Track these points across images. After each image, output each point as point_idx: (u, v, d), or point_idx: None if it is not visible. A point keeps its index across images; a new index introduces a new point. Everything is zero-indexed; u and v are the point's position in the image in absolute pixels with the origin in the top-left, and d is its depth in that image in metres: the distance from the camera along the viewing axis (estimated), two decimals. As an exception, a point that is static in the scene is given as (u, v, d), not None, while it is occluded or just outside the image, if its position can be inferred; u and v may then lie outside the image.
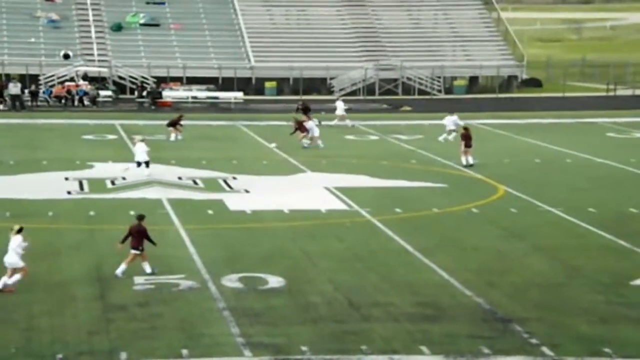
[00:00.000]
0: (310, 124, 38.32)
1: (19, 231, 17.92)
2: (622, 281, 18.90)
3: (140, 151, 30.59)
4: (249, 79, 61.75)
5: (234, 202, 26.78)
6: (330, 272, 19.49)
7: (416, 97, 60.77)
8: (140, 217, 19.30)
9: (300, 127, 38.37)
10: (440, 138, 39.31)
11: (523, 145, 39.59)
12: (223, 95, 57.66)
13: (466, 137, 33.59)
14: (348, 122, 45.28)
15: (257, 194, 28.05)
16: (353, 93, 61.01)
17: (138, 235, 18.89)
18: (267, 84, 61.57)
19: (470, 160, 33.18)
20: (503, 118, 48.66)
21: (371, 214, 25.13)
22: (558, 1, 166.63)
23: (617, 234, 22.78)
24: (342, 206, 26.38)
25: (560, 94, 61.42)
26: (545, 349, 15.08)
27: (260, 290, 18.19)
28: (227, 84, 60.17)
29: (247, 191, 28.64)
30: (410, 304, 17.31)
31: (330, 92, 60.66)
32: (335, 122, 45.09)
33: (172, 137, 39.27)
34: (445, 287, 18.52)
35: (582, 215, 25.06)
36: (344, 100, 48.02)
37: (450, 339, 15.49)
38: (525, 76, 65.35)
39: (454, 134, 38.54)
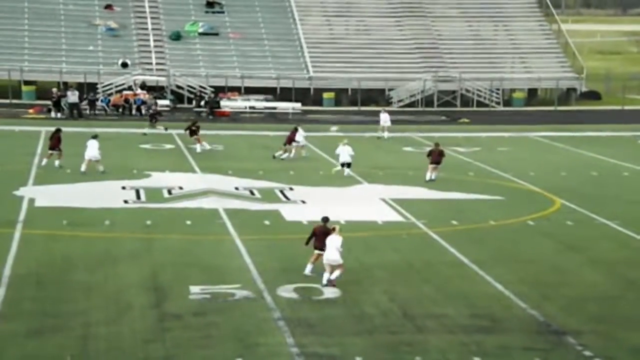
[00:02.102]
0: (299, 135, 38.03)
1: (336, 230, 19.47)
2: (678, 295, 18.72)
3: (344, 153, 33.61)
4: (307, 89, 61.98)
5: (290, 212, 27.03)
6: (385, 283, 19.60)
7: (475, 109, 60.49)
8: (325, 219, 20.00)
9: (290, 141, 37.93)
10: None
11: (581, 158, 39.20)
12: (281, 105, 57.93)
13: (436, 153, 32.63)
14: (385, 134, 44.83)
15: (313, 205, 28.25)
16: (411, 104, 60.95)
17: (322, 237, 19.57)
18: (325, 95, 61.74)
19: (433, 176, 32.32)
20: (561, 131, 48.21)
21: (427, 226, 25.17)
22: (619, 13, 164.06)
23: (675, 249, 22.54)
24: (398, 218, 26.46)
25: (619, 107, 60.59)
26: (598, 362, 15.07)
27: (315, 300, 18.38)
28: (285, 94, 60.48)
29: (303, 202, 28.87)
30: (464, 316, 17.35)
31: (389, 104, 60.68)
32: (380, 133, 45.00)
33: (198, 148, 38.79)
34: (500, 299, 18.51)
35: (639, 229, 24.76)
36: (389, 112, 47.78)
37: (504, 351, 15.50)
38: (584, 89, 64.58)
39: None
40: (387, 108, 48.89)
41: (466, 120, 54.76)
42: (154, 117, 45.94)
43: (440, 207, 28.02)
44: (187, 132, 39.75)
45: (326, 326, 16.74)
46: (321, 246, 19.60)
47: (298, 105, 58.03)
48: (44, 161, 34.12)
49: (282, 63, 63.28)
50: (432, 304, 18.10)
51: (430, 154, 33.06)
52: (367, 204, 28.66)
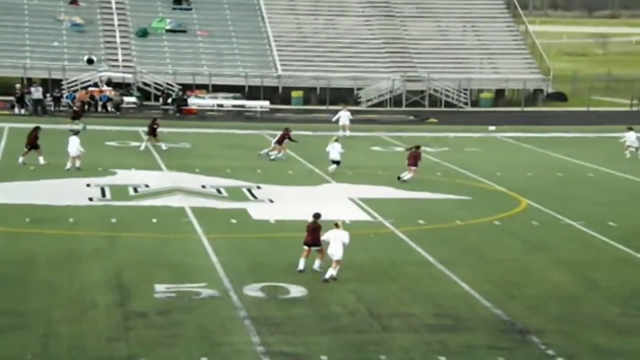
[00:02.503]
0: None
1: (337, 226, 19.82)
2: (639, 294, 18.93)
3: (334, 150, 33.80)
4: (276, 87, 61.92)
5: (257, 211, 26.96)
6: (352, 282, 19.62)
7: (443, 109, 60.78)
8: (317, 216, 20.35)
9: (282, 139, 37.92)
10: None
11: (547, 159, 39.54)
12: (249, 103, 57.85)
13: (414, 156, 32.39)
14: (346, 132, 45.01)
15: (281, 204, 28.22)
16: (380, 104, 61.10)
17: (313, 232, 20.02)
18: (294, 94, 61.72)
19: (406, 177, 32.28)
20: (528, 132, 48.59)
21: (395, 225, 25.24)
22: (585, 15, 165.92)
23: (634, 247, 22.81)
24: (366, 217, 26.51)
25: (585, 108, 61.22)
26: (561, 360, 15.20)
27: (281, 299, 18.36)
28: (253, 93, 60.39)
29: (271, 201, 28.82)
30: (430, 315, 17.42)
31: (357, 103, 60.77)
32: (341, 132, 45.13)
33: (163, 146, 38.29)
34: (465, 299, 18.61)
35: (602, 229, 25.06)
36: (350, 111, 47.82)
37: (468, 350, 15.59)
38: (551, 90, 65.17)
39: None
40: (348, 107, 48.92)
41: (434, 120, 55.00)
42: (77, 114, 45.47)
43: (408, 207, 28.12)
44: (149, 131, 39.24)
45: (292, 325, 16.73)
46: (311, 242, 20.02)
47: (266, 103, 57.97)
48: (21, 159, 33.72)
49: (250, 61, 63.13)
50: (398, 303, 18.15)
51: (412, 156, 32.58)
52: (335, 203, 28.67)
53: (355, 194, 30.01)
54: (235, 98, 58.36)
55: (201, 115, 53.81)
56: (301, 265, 20.22)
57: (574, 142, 45.51)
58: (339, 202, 28.76)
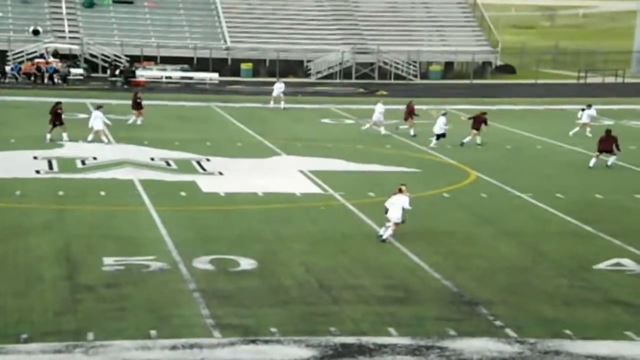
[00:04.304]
0: None
1: (400, 190, 20.59)
2: (585, 265, 19.22)
3: (440, 124, 34.42)
4: (225, 60, 61.51)
5: (207, 184, 26.77)
6: (302, 254, 19.60)
7: (392, 81, 60.92)
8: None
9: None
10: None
11: (495, 131, 39.83)
12: (198, 75, 57.41)
13: (478, 120, 35.16)
14: (280, 104, 44.93)
15: (231, 177, 28.06)
16: (330, 76, 61.04)
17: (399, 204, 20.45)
18: (243, 66, 61.39)
19: (478, 140, 35.00)
20: (477, 104, 48.90)
21: (345, 198, 25.26)
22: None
23: (582, 219, 23.11)
24: (317, 190, 26.48)
25: (533, 81, 61.84)
26: (509, 331, 15.33)
27: (231, 272, 18.27)
28: (202, 65, 59.92)
29: (220, 173, 28.64)
30: (380, 287, 17.48)
31: (307, 75, 60.63)
32: (272, 104, 44.95)
33: (136, 119, 38.17)
34: (414, 271, 18.71)
35: (550, 201, 25.37)
36: (284, 83, 47.71)
37: (417, 321, 15.69)
38: (499, 62, 65.69)
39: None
40: (283, 79, 48.80)
41: (384, 92, 55.09)
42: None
43: (358, 179, 28.15)
44: (134, 105, 38.77)
45: (242, 298, 16.66)
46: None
47: (215, 75, 57.61)
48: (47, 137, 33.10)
49: (199, 33, 62.56)
50: (348, 275, 18.18)
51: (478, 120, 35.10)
52: (285, 175, 28.60)
53: (306, 166, 29.96)
54: (183, 70, 57.85)
55: (149, 87, 53.18)
56: (383, 232, 20.86)
57: (523, 115, 45.96)
58: (289, 175, 28.69)
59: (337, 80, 60.33)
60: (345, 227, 22.19)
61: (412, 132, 37.52)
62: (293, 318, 15.73)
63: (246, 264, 18.74)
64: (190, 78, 56.88)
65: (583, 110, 38.86)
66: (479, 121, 35.08)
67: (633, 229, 22.35)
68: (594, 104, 42.08)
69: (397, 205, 20.51)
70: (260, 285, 17.42)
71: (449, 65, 65.17)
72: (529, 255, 20.14)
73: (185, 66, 58.61)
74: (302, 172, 29.08)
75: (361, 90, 56.77)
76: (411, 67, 62.27)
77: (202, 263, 18.67)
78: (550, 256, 20.04)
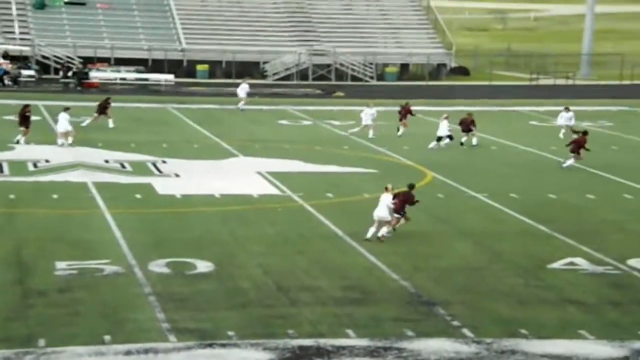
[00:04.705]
0: None
1: (388, 189, 20.92)
2: (540, 265, 19.35)
3: (443, 127, 34.44)
4: (180, 61, 61.14)
5: (163, 186, 26.51)
6: (260, 256, 19.47)
7: (349, 83, 61.02)
8: (411, 186, 21.56)
9: None
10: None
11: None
12: (153, 77, 56.96)
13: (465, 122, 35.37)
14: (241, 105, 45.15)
15: (187, 178, 27.82)
16: (287, 77, 60.96)
17: (403, 202, 20.99)
18: (199, 67, 61.07)
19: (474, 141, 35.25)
20: (432, 105, 49.20)
21: (303, 199, 25.18)
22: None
23: (536, 219, 23.28)
24: (275, 191, 26.36)
25: (486, 83, 62.39)
26: (466, 331, 15.37)
27: (187, 275, 18.07)
28: (157, 66, 59.47)
29: (177, 175, 28.37)
30: (338, 288, 17.42)
31: (264, 77, 60.50)
32: (242, 105, 44.96)
33: (111, 124, 37.86)
34: (372, 271, 18.69)
35: (505, 201, 25.54)
36: (249, 84, 47.69)
37: (375, 322, 15.66)
38: (453, 64, 66.16)
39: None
40: (248, 80, 48.71)
41: (341, 94, 55.17)
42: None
43: (316, 180, 28.10)
44: (99, 108, 38.14)
45: (198, 301, 16.48)
46: (399, 209, 21.03)
47: (171, 77, 57.25)
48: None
49: (153, 34, 62.13)
50: (306, 277, 18.10)
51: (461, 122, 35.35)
52: (242, 177, 28.45)
53: (263, 167, 29.82)
54: (138, 71, 57.37)
55: (103, 89, 52.60)
56: (385, 232, 21.02)
57: (477, 116, 46.13)
58: (246, 176, 28.54)
59: (294, 82, 60.27)
60: (303, 228, 22.12)
61: (400, 132, 37.74)
62: (250, 321, 15.59)
63: (203, 266, 18.55)
64: (146, 79, 56.40)
65: (564, 112, 38.53)
66: (466, 124, 35.45)
67: (586, 228, 22.58)
68: (545, 105, 42.62)
69: (382, 204, 20.75)
70: (217, 288, 17.25)
71: (404, 67, 65.47)
72: (485, 255, 20.24)
73: (140, 68, 58.10)
74: (259, 173, 28.94)
75: (318, 91, 56.78)
76: (367, 68, 62.45)
77: (158, 266, 18.44)
78: (506, 256, 20.16)
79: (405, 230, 22.18)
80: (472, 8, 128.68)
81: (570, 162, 30.83)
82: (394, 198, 21.04)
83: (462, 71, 67.09)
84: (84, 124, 37.50)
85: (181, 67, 60.72)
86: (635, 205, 25.50)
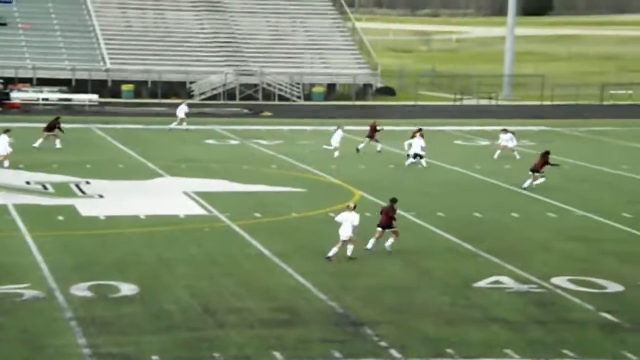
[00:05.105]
0: None
1: (354, 208, 21.23)
2: (467, 283, 19.46)
3: (416, 144, 34.88)
4: (105, 81, 60.40)
5: (86, 207, 25.95)
6: (186, 278, 19.14)
7: (276, 102, 61.03)
8: (394, 200, 21.93)
9: None
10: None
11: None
12: (77, 97, 56.09)
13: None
14: (183, 125, 44.84)
15: (111, 199, 27.31)
16: (214, 97, 60.69)
17: (386, 216, 21.49)
18: (124, 87, 60.39)
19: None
20: (359, 125, 49.43)
21: (230, 219, 24.91)
22: (408, 13, 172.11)
23: (462, 237, 23.46)
24: (201, 211, 26.04)
25: (412, 103, 63.11)
26: (393, 352, 15.32)
27: (111, 298, 17.64)
28: (81, 86, 58.63)
29: (101, 196, 27.83)
30: (265, 309, 17.21)
31: (190, 96, 60.12)
32: (175, 125, 44.62)
33: (58, 144, 37.10)
34: (301, 292, 18.53)
35: (432, 220, 25.71)
36: (189, 105, 47.48)
37: (303, 344, 15.49)
38: (379, 85, 66.77)
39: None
40: (188, 100, 48.45)
41: (268, 113, 55.10)
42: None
43: (244, 200, 27.88)
44: (47, 128, 37.27)
45: (122, 325, 16.08)
46: (385, 224, 21.56)
47: (95, 97, 56.47)
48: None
49: (77, 54, 61.43)
50: (233, 298, 17.83)
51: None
52: (168, 197, 28.06)
53: (190, 187, 29.48)
54: (61, 91, 56.47)
55: (25, 109, 51.54)
56: (370, 245, 21.47)
57: (404, 135, 46.59)
58: (173, 196, 28.15)
59: (221, 102, 59.99)
60: (231, 249, 21.86)
61: (378, 147, 38.73)
62: (176, 345, 15.27)
63: (127, 289, 18.13)
64: (69, 100, 55.46)
65: (502, 134, 38.60)
66: (371, 130, 36.19)
67: (511, 246, 22.83)
68: (469, 125, 43.13)
69: (347, 223, 20.95)
70: (142, 311, 16.87)
71: (331, 86, 65.79)
72: (413, 274, 20.27)
73: (64, 88, 57.20)
74: (186, 193, 28.57)
75: (245, 111, 56.62)
76: (294, 88, 62.57)
77: (80, 290, 17.97)
78: (433, 274, 20.23)
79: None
80: (397, 30, 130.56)
81: (540, 181, 30.60)
82: (385, 212, 21.64)
83: (388, 91, 67.72)
84: (35, 145, 36.52)
85: (106, 87, 59.97)
86: (558, 223, 25.92)
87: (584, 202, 28.42)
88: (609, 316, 17.28)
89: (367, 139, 39.04)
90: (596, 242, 23.55)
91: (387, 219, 21.68)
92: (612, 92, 67.65)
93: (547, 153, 31.29)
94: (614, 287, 19.27)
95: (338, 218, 21.33)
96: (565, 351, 15.46)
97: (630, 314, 17.44)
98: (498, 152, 38.00)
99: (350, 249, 20.98)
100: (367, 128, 40.33)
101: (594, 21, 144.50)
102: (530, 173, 30.95)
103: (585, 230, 24.90)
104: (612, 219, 26.11)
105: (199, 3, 68.16)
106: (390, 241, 21.75)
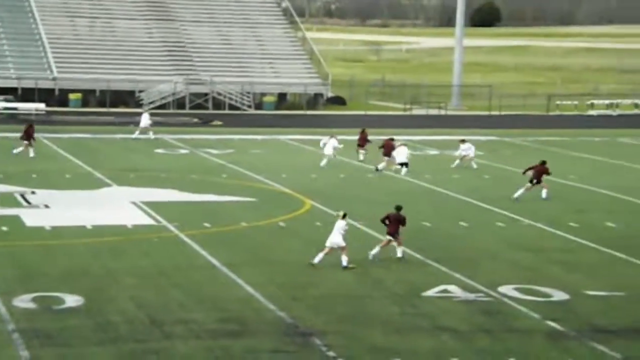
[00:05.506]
0: None
1: (344, 216, 21.31)
2: (416, 292, 19.49)
3: (402, 153, 35.47)
4: (52, 90, 59.60)
5: (31, 217, 25.51)
6: (133, 289, 18.89)
7: (227, 111, 60.80)
8: (399, 208, 22.06)
9: None
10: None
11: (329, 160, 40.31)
12: (23, 106, 55.25)
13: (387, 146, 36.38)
14: (149, 134, 44.70)
15: (58, 209, 26.90)
16: (163, 106, 60.23)
17: (396, 223, 21.68)
18: (72, 96, 59.68)
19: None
20: (310, 134, 49.49)
21: (179, 229, 24.68)
22: (358, 24, 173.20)
23: (411, 246, 23.48)
24: (150, 221, 25.77)
25: (362, 112, 63.37)
26: (341, 361, 15.30)
27: (55, 310, 17.33)
28: (27, 95, 57.77)
29: (47, 206, 27.40)
30: (213, 320, 17.04)
31: (139, 105, 59.60)
32: (136, 134, 44.42)
33: (29, 151, 36.62)
34: (249, 302, 18.40)
35: (382, 229, 25.53)
36: (151, 114, 47.27)
37: (251, 355, 15.37)
38: (330, 94, 66.94)
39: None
40: (148, 110, 48.21)
41: (219, 122, 54.86)
42: None
43: (193, 210, 27.65)
44: (25, 135, 36.79)
45: (66, 337, 15.79)
46: (393, 232, 21.80)
47: (42, 106, 55.71)
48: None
49: (23, 63, 60.69)
50: (181, 310, 17.63)
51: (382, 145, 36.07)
52: (116, 207, 27.72)
53: (138, 197, 29.16)
54: (7, 100, 55.55)
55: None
56: (375, 251, 21.87)
57: (353, 145, 46.74)
58: (120, 206, 27.82)
59: (171, 111, 59.56)
60: (179, 260, 21.64)
61: (361, 157, 38.89)
62: (121, 356, 15.05)
63: (72, 300, 17.83)
64: (15, 109, 54.58)
65: (460, 144, 38.64)
66: (388, 147, 36.65)
67: (459, 256, 22.95)
68: (419, 134, 43.35)
69: (336, 230, 21.20)
70: (87, 323, 16.59)
71: (282, 96, 65.77)
72: (363, 283, 20.25)
73: (9, 97, 56.28)
74: (134, 203, 28.26)
75: (195, 120, 56.29)
76: (245, 97, 62.41)
77: (23, 301, 17.62)
78: (384, 284, 20.23)
79: (284, 260, 22.03)
80: (347, 40, 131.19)
81: (545, 191, 30.62)
82: (385, 220, 21.93)
83: (338, 101, 67.90)
84: (15, 151, 36.16)
85: (53, 96, 59.17)
86: (506, 233, 26.16)
87: (532, 211, 28.72)
88: (554, 324, 17.45)
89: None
90: (543, 251, 23.80)
91: (396, 227, 21.96)
92: (558, 102, 68.67)
93: (544, 163, 31.25)
94: (559, 295, 19.48)
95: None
96: (511, 359, 15.57)
97: (574, 322, 17.64)
98: (457, 161, 38.22)
99: (345, 260, 21.07)
100: (316, 138, 40.33)
101: (541, 32, 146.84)
102: (529, 184, 30.81)
103: (533, 240, 25.16)
104: (559, 228, 26.42)
105: (148, 12, 67.69)
106: (399, 250, 22.03)
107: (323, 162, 37.30)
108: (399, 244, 22.09)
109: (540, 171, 30.81)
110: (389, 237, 22.00)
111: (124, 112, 56.78)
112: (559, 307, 18.66)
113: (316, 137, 48.52)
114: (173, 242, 23.50)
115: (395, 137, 38.79)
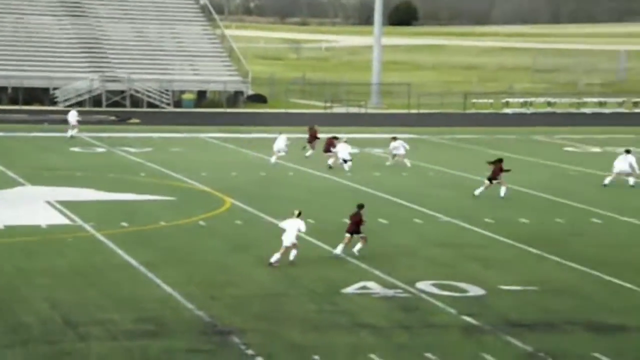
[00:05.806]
0: None
1: (299, 215, 21.27)
2: (335, 289, 19.52)
3: (343, 150, 35.70)
4: (-39, 87, 57.99)
5: (-61, 218, 24.70)
6: (47, 289, 18.49)
7: (145, 109, 60.02)
8: (361, 206, 22.31)
9: None
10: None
11: (250, 158, 40.23)
12: None
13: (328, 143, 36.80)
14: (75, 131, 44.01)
15: (-32, 209, 26.10)
16: (79, 104, 59.08)
17: (355, 222, 21.84)
18: (-17, 93, 58.07)
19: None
20: (230, 132, 49.25)
21: (95, 229, 24.26)
22: (278, 21, 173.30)
23: (330, 244, 23.52)
24: (65, 221, 25.26)
25: (283, 110, 63.37)
26: (260, 359, 15.19)
27: (-36, 312, 16.80)
28: None
29: (-44, 206, 26.58)
30: (130, 320, 16.79)
31: (54, 103, 58.37)
32: (70, 132, 43.53)
33: None
34: (167, 302, 18.19)
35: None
36: (78, 111, 46.24)
37: (169, 355, 15.20)
38: (250, 92, 66.74)
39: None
40: (78, 108, 47.17)
41: (136, 120, 54.10)
42: None
43: (110, 209, 27.22)
44: None
45: (-24, 340, 15.33)
46: (353, 230, 21.94)
47: (-49, 103, 54.06)
48: None
49: None
50: (97, 310, 17.32)
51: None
52: (30, 206, 27.10)
53: (53, 196, 28.57)
54: None
55: None
56: (338, 250, 21.90)
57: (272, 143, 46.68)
58: (34, 206, 27.21)
59: (87, 108, 58.46)
60: (95, 259, 21.26)
61: (308, 153, 38.84)
62: (33, 358, 14.67)
63: (-18, 303, 17.32)
64: None
65: (392, 142, 38.80)
66: (327, 144, 36.80)
67: (377, 252, 23.09)
68: (341, 132, 43.43)
69: (292, 229, 21.02)
70: (-2, 325, 16.14)
71: (202, 94, 65.27)
72: (282, 281, 20.23)
73: None
74: (48, 202, 27.66)
75: (112, 118, 55.39)
76: (164, 95, 61.70)
77: None
78: (302, 282, 20.24)
79: (202, 259, 21.85)
80: (267, 38, 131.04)
81: (503, 189, 30.89)
82: (353, 219, 21.91)
83: (259, 99, 67.75)
84: None
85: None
86: (424, 229, 26.48)
87: (449, 208, 29.14)
88: (469, 319, 17.73)
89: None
90: (460, 247, 24.17)
91: (355, 225, 21.99)
92: (474, 101, 69.90)
93: (500, 160, 31.61)
94: (475, 290, 19.80)
95: (283, 224, 21.41)
96: (428, 354, 15.76)
97: (489, 316, 17.95)
98: (390, 160, 38.48)
99: (293, 253, 21.10)
100: (237, 136, 40.18)
101: (457, 32, 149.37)
102: (487, 182, 31.14)
103: (450, 236, 25.53)
104: (475, 224, 26.88)
105: (59, 7, 66.39)
106: (358, 246, 22.12)
107: (272, 160, 37.41)
108: (364, 240, 22.23)
109: (497, 169, 31.30)
110: (348, 235, 22.12)
111: (39, 110, 55.51)
112: (474, 302, 18.97)
113: (236, 135, 48.37)
114: (89, 241, 23.10)
115: (338, 136, 38.77)
